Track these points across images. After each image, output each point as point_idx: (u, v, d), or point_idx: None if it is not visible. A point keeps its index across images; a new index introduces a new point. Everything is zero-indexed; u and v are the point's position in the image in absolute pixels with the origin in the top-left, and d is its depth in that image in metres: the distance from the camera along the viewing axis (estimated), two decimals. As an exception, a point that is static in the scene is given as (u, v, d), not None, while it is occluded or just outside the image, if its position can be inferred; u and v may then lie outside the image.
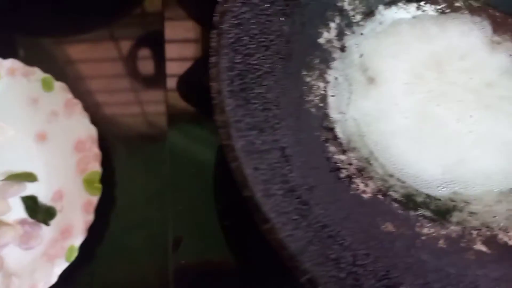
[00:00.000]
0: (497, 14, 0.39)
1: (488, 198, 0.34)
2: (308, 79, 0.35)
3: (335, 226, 0.28)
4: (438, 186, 0.34)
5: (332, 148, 0.34)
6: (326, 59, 0.37)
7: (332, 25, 0.37)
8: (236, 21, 0.30)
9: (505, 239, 0.32)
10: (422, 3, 0.40)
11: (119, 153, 0.41)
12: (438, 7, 0.40)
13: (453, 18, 0.39)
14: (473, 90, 0.37)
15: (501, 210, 0.33)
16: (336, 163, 0.33)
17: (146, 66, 0.47)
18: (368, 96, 0.36)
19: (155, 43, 0.46)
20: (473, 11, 0.39)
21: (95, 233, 0.36)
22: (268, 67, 0.32)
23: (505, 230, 0.32)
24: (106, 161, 0.38)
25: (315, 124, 0.34)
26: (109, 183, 0.38)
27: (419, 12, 0.39)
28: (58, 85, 0.40)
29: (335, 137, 0.34)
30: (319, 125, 0.34)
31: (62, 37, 0.48)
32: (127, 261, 0.38)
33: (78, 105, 0.39)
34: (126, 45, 0.48)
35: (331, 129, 0.35)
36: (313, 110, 0.34)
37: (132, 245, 0.38)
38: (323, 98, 0.35)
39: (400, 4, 0.39)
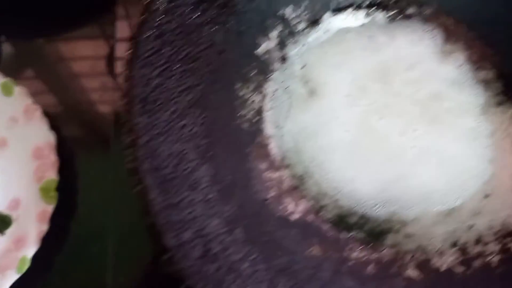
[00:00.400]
0: (450, 22, 0.37)
1: (426, 219, 0.32)
2: (242, 92, 0.33)
3: (253, 252, 0.27)
4: (375, 206, 0.33)
5: (263, 166, 0.32)
6: (265, 71, 0.35)
7: (273, 34, 0.36)
8: (156, 32, 0.28)
9: (438, 264, 0.31)
10: (371, 9, 0.38)
11: (80, 159, 0.40)
12: (389, 14, 0.38)
13: (403, 26, 0.37)
14: (419, 102, 0.35)
15: (439, 231, 0.32)
16: (265, 182, 0.32)
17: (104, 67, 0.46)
18: (308, 109, 0.35)
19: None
20: (425, 18, 0.37)
21: (50, 243, 0.35)
22: (194, 80, 0.30)
23: (440, 254, 0.31)
24: (66, 168, 0.37)
25: (246, 141, 0.32)
26: (67, 191, 0.38)
27: (368, 20, 0.38)
28: (18, 90, 0.39)
29: (268, 154, 0.33)
30: (251, 141, 0.33)
31: (21, 39, 0.47)
32: (82, 273, 0.37)
33: (37, 111, 0.38)
34: (89, 46, 0.47)
35: (265, 145, 0.33)
36: (246, 125, 0.33)
37: (88, 256, 0.37)
38: (259, 112, 0.34)
39: (348, 10, 0.37)
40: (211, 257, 0.25)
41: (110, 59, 0.45)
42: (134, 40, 0.27)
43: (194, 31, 0.31)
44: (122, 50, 0.44)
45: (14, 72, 0.43)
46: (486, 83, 0.36)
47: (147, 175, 0.25)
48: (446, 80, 0.36)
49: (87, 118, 0.45)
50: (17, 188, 0.37)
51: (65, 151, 0.38)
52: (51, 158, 0.36)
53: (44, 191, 0.36)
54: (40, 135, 0.37)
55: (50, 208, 0.35)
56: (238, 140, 0.32)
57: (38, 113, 0.38)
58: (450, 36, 0.37)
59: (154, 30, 0.28)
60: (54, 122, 0.39)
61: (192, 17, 0.31)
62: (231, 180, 0.30)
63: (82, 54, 0.46)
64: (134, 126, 0.25)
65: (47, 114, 0.38)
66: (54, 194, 0.35)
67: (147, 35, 0.27)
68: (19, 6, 0.46)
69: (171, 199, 0.25)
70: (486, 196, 0.33)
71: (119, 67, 0.43)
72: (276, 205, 0.31)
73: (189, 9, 0.30)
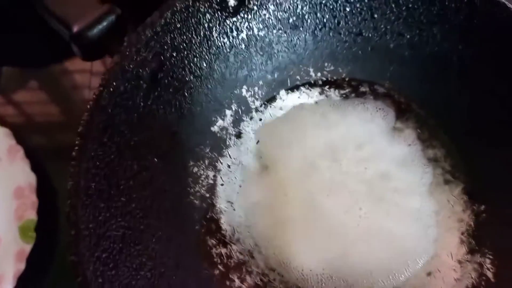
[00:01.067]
0: (402, 100, 0.39)
1: (367, 296, 0.34)
2: (195, 169, 0.35)
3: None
4: (318, 282, 0.34)
5: (212, 242, 0.34)
6: (219, 147, 0.37)
7: (228, 112, 0.37)
8: (104, 125, 0.29)
9: None
10: (326, 87, 0.39)
11: (61, 197, 0.41)
12: (343, 91, 0.39)
13: (355, 104, 0.39)
14: (366, 182, 0.36)
15: (380, 308, 0.33)
16: (213, 257, 0.33)
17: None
18: (259, 184, 0.36)
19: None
20: (377, 97, 0.39)
21: (26, 283, 0.36)
22: (144, 164, 0.32)
23: (380, 334, 0.32)
24: (46, 208, 0.39)
25: (196, 217, 0.34)
26: (47, 228, 0.39)
27: (323, 97, 0.39)
28: (2, 131, 0.41)
29: (219, 229, 0.35)
30: (202, 217, 0.34)
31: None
32: None
33: (20, 152, 0.40)
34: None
35: (216, 220, 0.35)
36: (197, 202, 0.35)
37: None
38: (211, 187, 0.36)
39: (302, 88, 0.39)
40: None
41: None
42: (81, 136, 0.28)
43: (146, 117, 0.32)
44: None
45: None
46: (434, 161, 0.37)
47: (88, 267, 0.27)
48: (394, 159, 0.37)
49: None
50: None
51: (47, 190, 0.40)
52: (32, 198, 0.38)
53: (23, 230, 0.37)
54: (22, 175, 0.39)
55: (28, 247, 0.36)
56: (188, 218, 0.34)
57: (20, 154, 0.39)
58: (401, 113, 0.39)
59: (102, 125, 0.29)
60: (37, 161, 0.40)
61: (144, 104, 0.32)
62: (176, 261, 0.31)
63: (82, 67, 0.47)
64: (78, 220, 0.27)
65: (30, 155, 0.40)
66: (32, 234, 0.37)
67: (94, 130, 0.29)
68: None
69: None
70: (428, 274, 0.34)
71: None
72: (222, 283, 0.33)
73: (141, 97, 0.32)
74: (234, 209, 0.36)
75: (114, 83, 0.30)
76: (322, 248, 0.35)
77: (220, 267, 0.33)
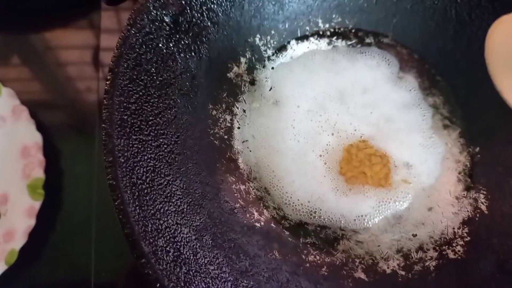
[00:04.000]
0: (404, 51, 0.41)
1: (374, 228, 0.37)
2: (214, 112, 0.37)
3: (219, 256, 0.31)
4: (307, 213, 0.36)
5: (231, 179, 0.36)
6: (235, 93, 0.39)
7: (243, 60, 0.39)
8: (133, 63, 0.31)
9: (385, 267, 0.35)
10: (333, 38, 0.42)
11: (65, 157, 0.43)
12: (349, 42, 0.42)
13: (363, 52, 0.41)
14: (372, 124, 0.39)
15: (386, 239, 0.36)
16: (233, 193, 0.35)
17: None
18: (269, 114, 0.39)
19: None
20: (382, 47, 0.42)
21: (37, 237, 0.38)
22: (169, 104, 0.34)
23: (386, 259, 0.35)
24: (52, 166, 0.40)
25: (216, 156, 0.36)
26: (54, 188, 0.40)
27: (330, 47, 0.42)
28: (6, 91, 0.41)
29: (237, 168, 0.37)
30: (221, 156, 0.36)
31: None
32: (67, 266, 0.40)
33: (25, 112, 0.40)
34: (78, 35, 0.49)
35: (234, 160, 0.37)
36: (216, 142, 0.37)
37: (73, 250, 0.40)
38: (229, 130, 0.38)
39: (312, 39, 0.41)
40: (182, 261, 0.29)
41: (97, 49, 0.47)
42: (112, 71, 0.30)
43: (169, 59, 0.34)
44: (106, 40, 0.46)
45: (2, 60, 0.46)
46: (434, 108, 0.40)
47: (126, 191, 0.28)
48: (398, 103, 0.40)
49: (73, 107, 0.46)
50: (5, 184, 0.39)
51: (51, 151, 0.41)
52: (39, 157, 0.39)
53: (31, 188, 0.38)
54: (27, 135, 0.40)
55: (37, 204, 0.38)
56: (210, 156, 0.36)
57: (25, 114, 0.40)
58: (404, 64, 0.41)
59: (131, 62, 0.31)
60: (41, 122, 0.41)
61: (167, 46, 0.34)
62: (202, 192, 0.33)
63: (71, 43, 0.48)
64: (114, 148, 0.29)
65: (34, 115, 0.41)
66: (41, 191, 0.38)
67: (124, 66, 0.30)
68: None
69: (147, 210, 0.29)
70: (430, 209, 0.37)
71: (103, 57, 0.46)
72: (243, 214, 0.35)
73: (164, 39, 0.33)
74: (250, 151, 0.38)
75: (140, 23, 0.32)
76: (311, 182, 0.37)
77: (240, 201, 0.35)
